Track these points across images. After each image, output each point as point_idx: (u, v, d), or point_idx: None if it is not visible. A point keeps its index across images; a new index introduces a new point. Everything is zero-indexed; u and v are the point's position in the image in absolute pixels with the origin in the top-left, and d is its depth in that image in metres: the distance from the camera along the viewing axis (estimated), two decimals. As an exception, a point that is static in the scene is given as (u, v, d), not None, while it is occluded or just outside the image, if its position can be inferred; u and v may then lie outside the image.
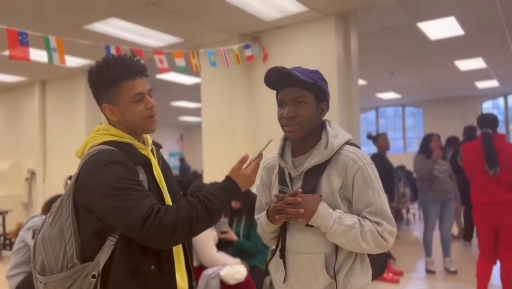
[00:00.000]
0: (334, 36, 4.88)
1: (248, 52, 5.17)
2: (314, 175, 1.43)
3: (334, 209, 1.40)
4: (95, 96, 1.49)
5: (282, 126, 1.48)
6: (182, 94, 10.31)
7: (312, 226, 1.41)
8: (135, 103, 1.45)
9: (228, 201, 1.43)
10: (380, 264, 1.59)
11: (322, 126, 1.51)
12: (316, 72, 1.48)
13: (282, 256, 1.50)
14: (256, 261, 3.51)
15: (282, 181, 1.53)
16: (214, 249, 3.22)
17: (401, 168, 9.13)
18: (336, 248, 1.42)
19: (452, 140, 6.44)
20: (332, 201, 1.41)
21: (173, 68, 4.65)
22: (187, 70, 4.64)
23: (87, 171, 1.35)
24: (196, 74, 6.85)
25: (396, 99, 13.15)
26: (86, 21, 4.85)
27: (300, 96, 1.43)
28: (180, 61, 4.50)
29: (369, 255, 1.49)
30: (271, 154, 1.64)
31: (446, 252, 5.00)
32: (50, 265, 1.35)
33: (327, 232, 1.38)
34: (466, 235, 6.28)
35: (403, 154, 14.32)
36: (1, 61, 6.36)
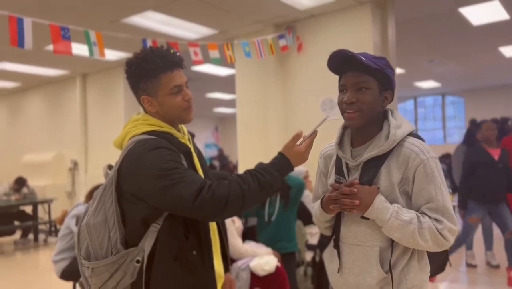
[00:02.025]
0: (371, 24, 4.77)
1: (282, 43, 5.14)
2: (372, 166, 1.39)
3: (391, 203, 1.35)
4: (133, 88, 1.53)
5: (342, 112, 1.43)
6: (217, 86, 10.39)
7: (367, 218, 1.37)
8: (174, 95, 1.48)
9: (280, 176, 1.42)
10: (441, 261, 1.53)
11: (384, 116, 1.45)
12: (382, 58, 1.42)
13: (336, 246, 1.48)
14: (289, 247, 3.48)
15: (338, 170, 1.49)
16: (240, 240, 3.20)
17: (444, 158, 8.89)
18: (392, 243, 1.37)
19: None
20: (390, 194, 1.36)
21: (207, 60, 4.69)
22: (222, 62, 4.67)
23: (133, 159, 1.39)
24: (231, 65, 6.89)
25: (435, 88, 12.73)
26: (123, 15, 4.96)
27: (362, 81, 1.37)
28: (214, 53, 4.53)
29: (428, 252, 1.44)
30: (329, 143, 1.60)
31: (488, 246, 4.83)
32: (94, 251, 1.41)
33: (382, 225, 1.34)
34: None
35: (443, 144, 13.88)
36: (45, 56, 6.61)
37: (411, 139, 1.39)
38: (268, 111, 5.58)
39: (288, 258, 3.40)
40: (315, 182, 1.67)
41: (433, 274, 1.49)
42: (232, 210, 1.34)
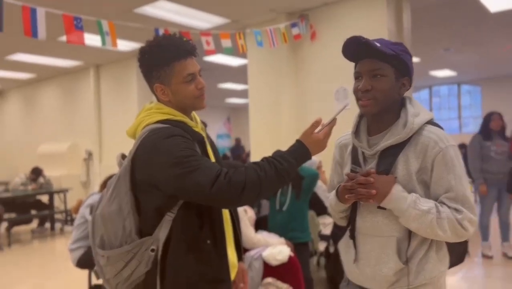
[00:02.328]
0: (385, 11, 4.68)
1: (295, 31, 5.08)
2: (390, 155, 1.35)
3: (409, 192, 1.31)
4: (146, 77, 1.51)
5: (357, 100, 1.39)
6: (229, 76, 10.36)
7: (384, 208, 1.34)
8: (187, 83, 1.47)
9: (298, 164, 1.39)
10: (460, 252, 1.49)
11: (401, 103, 1.41)
12: (399, 44, 1.38)
13: (352, 237, 1.46)
14: (302, 237, 3.46)
15: (354, 160, 1.46)
16: (252, 230, 3.19)
17: (459, 148, 8.77)
18: (409, 233, 1.34)
19: None
20: (408, 183, 1.33)
21: (219, 49, 4.67)
22: (234, 51, 4.64)
23: (148, 147, 1.38)
24: (243, 55, 6.85)
25: (451, 77, 12.51)
26: (135, 4, 4.95)
27: (377, 68, 1.34)
28: (226, 42, 4.50)
29: (447, 242, 1.40)
30: (345, 132, 1.57)
31: (504, 237, 4.77)
32: (109, 240, 1.41)
33: (400, 216, 1.30)
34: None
35: (459, 134, 13.69)
36: (59, 46, 6.66)
37: (429, 127, 1.35)
38: (280, 100, 5.54)
39: (301, 248, 3.38)
40: (330, 171, 1.64)
41: (452, 265, 1.45)
42: (249, 197, 1.32)
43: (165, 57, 1.44)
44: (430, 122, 1.38)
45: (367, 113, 1.39)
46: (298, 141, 1.43)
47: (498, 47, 8.64)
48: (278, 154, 1.39)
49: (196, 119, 1.60)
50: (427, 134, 1.33)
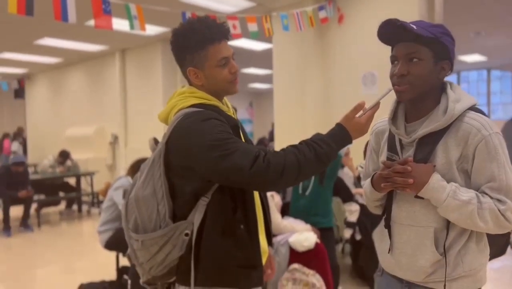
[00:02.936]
0: (417, -7, 4.53)
1: (322, 14, 4.98)
2: (429, 143, 1.29)
3: (448, 182, 1.26)
4: (179, 60, 1.49)
5: (393, 85, 1.34)
6: (252, 61, 10.29)
7: (421, 198, 1.30)
8: (221, 67, 1.45)
9: (338, 148, 1.36)
10: (502, 244, 1.44)
11: (442, 89, 1.34)
12: (439, 26, 1.31)
13: (387, 226, 1.42)
14: (324, 222, 3.42)
15: (391, 147, 1.40)
16: (279, 216, 3.19)
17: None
18: (448, 223, 1.29)
19: None
20: (447, 172, 1.27)
21: (245, 33, 4.61)
22: (259, 35, 4.58)
23: (183, 131, 1.36)
24: (267, 40, 6.77)
25: (480, 62, 12.10)
26: (162, -12, 4.93)
27: (414, 52, 1.27)
28: (252, 26, 4.44)
29: (488, 234, 1.34)
30: (382, 118, 1.51)
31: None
32: (143, 223, 1.41)
33: (438, 206, 1.25)
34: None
35: (487, 121, 13.31)
36: (86, 31, 6.72)
37: (471, 114, 1.29)
38: (306, 85, 5.47)
39: (325, 234, 3.36)
40: (366, 159, 1.59)
41: (493, 257, 1.40)
42: (288, 180, 1.30)
43: (199, 40, 1.41)
44: (473, 108, 1.32)
45: (403, 99, 1.34)
46: (338, 124, 1.38)
47: (533, 31, 8.29)
48: (318, 137, 1.36)
49: (227, 104, 1.58)
50: (468, 121, 1.27)
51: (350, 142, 1.38)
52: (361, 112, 1.39)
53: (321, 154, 1.32)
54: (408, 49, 1.28)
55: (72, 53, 8.72)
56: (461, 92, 1.33)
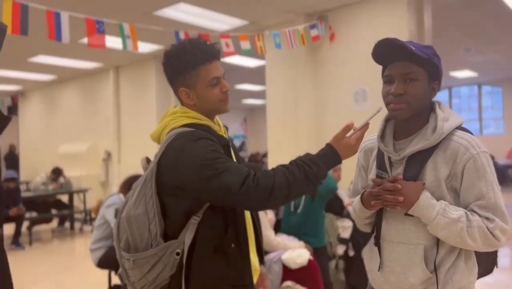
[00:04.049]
0: (406, 12, 4.62)
1: (314, 32, 5.06)
2: (418, 161, 1.31)
3: (438, 200, 1.27)
4: (171, 80, 1.52)
5: (387, 104, 1.34)
6: (246, 77, 10.37)
7: (411, 216, 1.31)
8: (212, 87, 1.48)
9: (328, 168, 1.37)
10: (489, 263, 1.44)
11: (430, 108, 1.37)
12: (430, 47, 1.35)
13: (377, 244, 1.42)
14: (314, 242, 3.42)
15: (380, 165, 1.41)
16: (272, 232, 3.18)
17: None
18: (437, 241, 1.30)
19: None
20: (436, 190, 1.29)
21: (238, 51, 4.68)
22: (253, 53, 4.64)
23: (175, 150, 1.38)
24: (261, 56, 6.85)
25: (471, 78, 12.28)
26: (156, 7, 4.99)
27: (411, 72, 1.30)
28: (245, 44, 4.51)
29: (476, 252, 1.35)
30: (371, 136, 1.53)
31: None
32: (134, 243, 1.41)
33: (428, 223, 1.26)
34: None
35: (479, 136, 13.43)
36: (80, 48, 6.75)
37: (459, 132, 1.32)
38: (298, 102, 5.52)
39: (318, 252, 3.36)
40: (354, 176, 1.61)
41: (480, 276, 1.41)
42: (277, 200, 1.31)
43: (191, 61, 1.44)
44: (460, 127, 1.34)
45: (397, 118, 1.36)
46: (328, 145, 1.40)
47: (521, 47, 8.45)
48: (307, 157, 1.38)
49: (218, 123, 1.61)
50: (457, 140, 1.29)
51: (340, 162, 1.40)
52: (351, 132, 1.41)
53: (310, 174, 1.33)
54: (405, 69, 1.31)
55: (66, 70, 8.75)
56: (449, 111, 1.36)
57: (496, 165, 10.11)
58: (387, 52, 1.34)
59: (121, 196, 3.71)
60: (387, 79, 1.36)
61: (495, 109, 13.72)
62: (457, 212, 1.26)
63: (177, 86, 1.50)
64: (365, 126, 1.42)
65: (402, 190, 1.28)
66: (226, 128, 1.76)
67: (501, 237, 1.24)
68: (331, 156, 1.38)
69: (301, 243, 3.28)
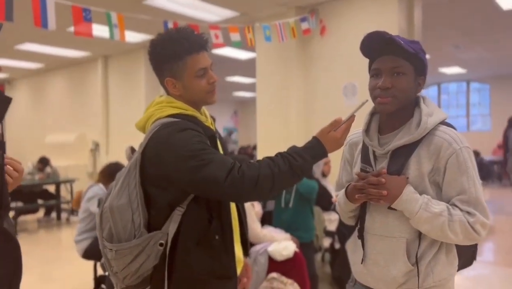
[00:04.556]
0: (397, 7, 4.63)
1: (304, 26, 5.04)
2: (402, 155, 1.33)
3: (421, 194, 1.30)
4: (157, 70, 1.50)
5: (374, 98, 1.36)
6: (237, 69, 10.33)
7: (394, 209, 1.32)
8: (199, 78, 1.46)
9: (313, 161, 1.38)
10: (468, 256, 1.47)
11: (415, 103, 1.38)
12: (416, 43, 1.36)
13: (361, 236, 1.44)
14: (306, 237, 3.48)
15: (365, 159, 1.43)
16: (258, 225, 3.20)
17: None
18: (419, 234, 1.32)
19: None
20: (419, 184, 1.31)
21: (228, 43, 4.65)
22: (242, 45, 4.61)
23: (160, 141, 1.37)
24: (251, 49, 6.82)
25: (460, 74, 12.40)
26: (145, -4, 4.94)
27: (399, 66, 1.31)
28: (235, 36, 4.48)
29: (456, 245, 1.38)
30: (356, 130, 1.54)
31: None
32: (117, 233, 1.40)
33: (411, 217, 1.29)
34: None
35: (466, 132, 13.59)
36: (67, 37, 6.66)
37: (443, 128, 1.33)
38: (288, 95, 5.52)
39: (305, 247, 3.39)
40: (339, 169, 1.62)
41: (460, 268, 1.43)
42: (262, 192, 1.32)
43: (178, 50, 1.43)
44: (444, 122, 1.36)
45: (384, 111, 1.37)
46: (314, 138, 1.41)
47: (509, 45, 8.54)
48: (293, 150, 1.38)
49: (205, 114, 1.60)
50: (440, 135, 1.31)
51: (326, 155, 1.41)
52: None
53: (295, 167, 1.34)
54: (393, 63, 1.32)
55: (54, 59, 8.63)
56: (434, 106, 1.38)
57: (482, 161, 10.27)
58: (375, 46, 1.35)
59: (101, 185, 3.68)
60: (375, 73, 1.37)
61: (482, 106, 13.87)
62: (439, 206, 1.27)
63: (163, 76, 1.49)
64: (351, 119, 1.43)
65: (386, 184, 1.29)
66: (214, 119, 1.75)
67: (481, 231, 1.27)
68: (317, 148, 1.39)
69: (288, 235, 3.30)
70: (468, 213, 1.26)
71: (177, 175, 1.34)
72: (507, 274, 4.30)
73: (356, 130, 1.55)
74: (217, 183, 1.28)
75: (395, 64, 1.31)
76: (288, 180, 1.35)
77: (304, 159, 1.35)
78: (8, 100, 1.01)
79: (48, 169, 7.69)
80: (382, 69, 1.34)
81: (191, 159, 1.30)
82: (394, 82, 1.31)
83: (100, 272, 3.68)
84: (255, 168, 1.31)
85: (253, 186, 1.29)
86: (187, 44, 1.43)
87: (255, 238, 3.11)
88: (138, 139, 1.47)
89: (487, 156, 11.52)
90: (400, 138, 1.34)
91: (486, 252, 4.79)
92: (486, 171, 10.43)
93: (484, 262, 4.58)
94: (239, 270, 1.58)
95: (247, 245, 1.66)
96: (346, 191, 1.46)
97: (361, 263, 1.44)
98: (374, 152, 1.41)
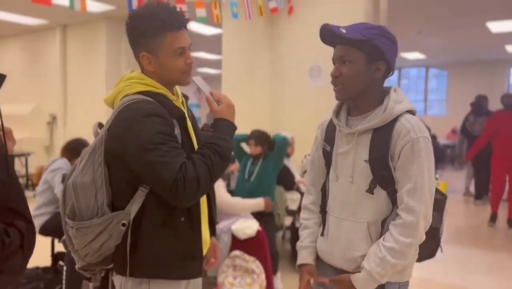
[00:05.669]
0: (364, -9, 4.66)
1: (272, 4, 4.98)
2: (366, 138, 1.38)
3: (384, 177, 1.35)
4: (133, 43, 1.46)
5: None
6: (202, 45, 10.14)
7: (359, 193, 1.40)
8: (176, 56, 1.43)
9: (231, 138, 1.44)
10: (431, 247, 1.51)
11: (386, 92, 1.42)
12: (375, 28, 1.38)
13: (323, 212, 1.53)
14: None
15: (328, 139, 1.51)
16: (225, 192, 3.23)
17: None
18: (381, 218, 1.37)
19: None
20: (383, 167, 1.35)
21: (193, 18, 4.53)
22: (208, 21, 4.52)
23: (124, 121, 1.35)
24: (218, 25, 6.70)
25: (420, 60, 12.75)
26: (108, -36, 4.72)
27: (345, 54, 1.37)
28: (201, 12, 4.37)
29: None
30: (330, 115, 1.58)
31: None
32: (79, 210, 1.38)
33: (383, 281, 1.35)
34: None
35: (424, 116, 14.07)
36: (23, 3, 6.29)
37: (408, 116, 1.38)
38: (255, 73, 5.49)
39: (266, 220, 3.42)
40: (311, 151, 1.65)
41: (423, 259, 1.49)
42: (204, 189, 1.35)
43: (157, 26, 1.39)
44: (411, 112, 1.41)
45: (338, 99, 1.43)
46: (217, 119, 1.45)
47: (467, 33, 8.84)
48: (212, 137, 1.41)
49: (177, 93, 1.57)
50: (402, 122, 1.35)
51: (235, 127, 1.47)
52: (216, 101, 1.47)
53: (221, 151, 1.38)
54: (340, 52, 1.38)
55: (8, 26, 8.13)
56: (404, 97, 1.42)
57: (437, 145, 10.71)
58: (328, 38, 1.40)
59: (66, 160, 3.57)
60: (333, 62, 1.43)
61: (439, 92, 14.38)
62: (377, 260, 1.33)
63: (138, 50, 1.45)
64: (208, 91, 1.50)
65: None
66: (186, 98, 1.72)
67: (420, 227, 1.31)
68: (226, 126, 1.44)
69: (260, 199, 3.33)
70: (408, 210, 1.30)
71: (133, 161, 1.34)
72: (455, 252, 4.56)
73: (329, 115, 1.58)
74: (164, 186, 1.29)
75: (343, 53, 1.38)
76: (221, 167, 1.38)
77: (224, 139, 1.40)
78: (2, 78, 0.97)
79: (1, 142, 7.35)
80: (334, 59, 1.41)
81: (148, 151, 1.29)
82: (342, 70, 1.37)
83: (57, 248, 3.60)
84: (192, 171, 1.30)
85: (196, 187, 1.30)
86: (168, 20, 1.40)
87: (227, 206, 3.15)
88: (96, 112, 1.44)
89: (442, 140, 12.03)
90: (367, 122, 1.38)
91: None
92: (441, 155, 10.92)
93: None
94: (205, 251, 1.59)
95: (214, 225, 1.67)
96: (300, 266, 1.57)
97: (322, 236, 1.52)
98: (340, 131, 1.46)
